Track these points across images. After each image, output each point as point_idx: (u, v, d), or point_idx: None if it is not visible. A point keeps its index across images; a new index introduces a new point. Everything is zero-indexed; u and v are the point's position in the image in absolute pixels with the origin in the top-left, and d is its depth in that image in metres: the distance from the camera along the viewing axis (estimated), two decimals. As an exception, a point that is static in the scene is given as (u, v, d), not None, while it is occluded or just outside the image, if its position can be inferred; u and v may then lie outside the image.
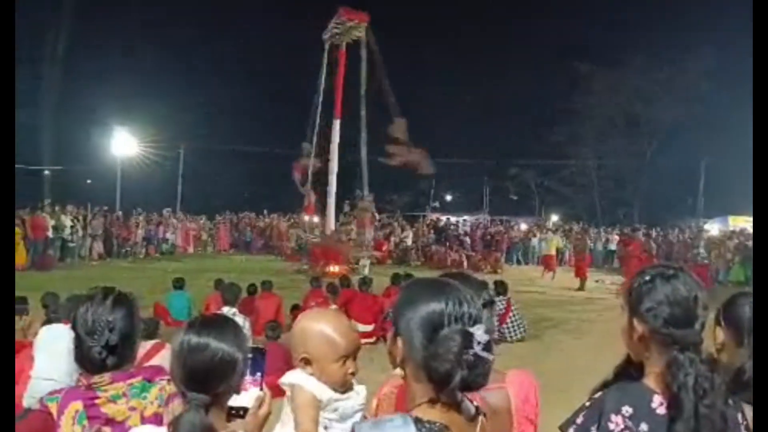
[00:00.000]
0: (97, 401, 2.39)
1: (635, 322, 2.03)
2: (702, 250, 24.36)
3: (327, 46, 23.05)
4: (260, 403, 2.10)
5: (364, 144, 22.65)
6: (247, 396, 2.11)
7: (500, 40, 46.25)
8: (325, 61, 23.19)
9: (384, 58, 22.32)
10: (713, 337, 2.52)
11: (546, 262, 23.96)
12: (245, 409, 2.09)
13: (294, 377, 2.29)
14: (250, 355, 2.11)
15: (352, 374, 2.30)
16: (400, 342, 1.69)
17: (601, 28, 42.53)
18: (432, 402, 1.64)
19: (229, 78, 42.11)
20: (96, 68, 37.42)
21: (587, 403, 2.00)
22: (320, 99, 23.56)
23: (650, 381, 1.97)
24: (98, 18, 37.77)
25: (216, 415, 2.00)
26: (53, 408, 2.38)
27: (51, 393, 2.47)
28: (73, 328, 2.49)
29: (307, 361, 2.25)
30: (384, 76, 22.18)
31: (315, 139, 23.73)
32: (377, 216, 29.58)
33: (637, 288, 2.05)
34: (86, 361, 2.46)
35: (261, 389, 2.14)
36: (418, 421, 1.60)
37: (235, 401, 2.08)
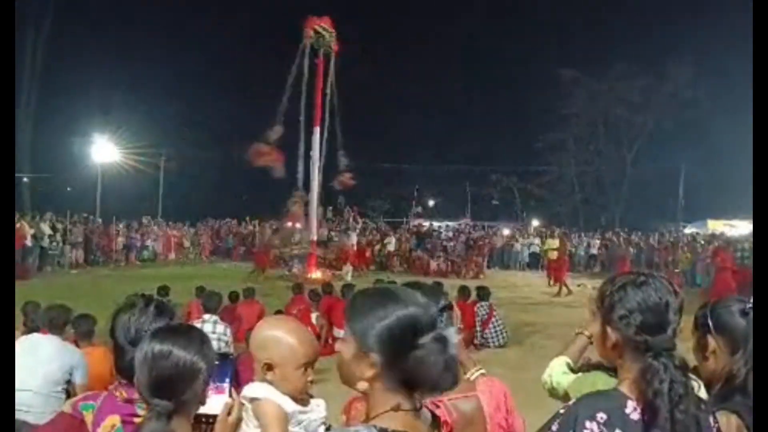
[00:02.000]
0: (135, 419, 2.28)
1: (608, 330, 2.04)
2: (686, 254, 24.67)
3: (306, 54, 22.91)
4: (229, 410, 2.11)
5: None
6: (216, 403, 2.11)
7: (483, 46, 46.52)
8: (303, 68, 22.94)
9: (366, 64, 22.43)
10: (694, 342, 2.55)
11: (552, 270, 22.59)
12: (214, 417, 2.09)
13: (257, 391, 2.27)
14: (217, 363, 2.12)
15: (311, 382, 2.31)
16: (373, 357, 1.63)
17: (583, 35, 42.89)
18: (395, 410, 1.62)
19: (208, 85, 42.07)
20: (76, 76, 37.29)
21: (561, 410, 2.01)
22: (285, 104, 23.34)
23: (624, 387, 1.98)
24: (77, 26, 37.74)
25: (179, 422, 2.00)
26: (88, 417, 2.31)
27: (86, 398, 2.40)
28: (113, 336, 2.44)
29: (269, 367, 2.24)
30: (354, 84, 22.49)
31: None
32: (356, 222, 29.71)
33: (609, 296, 2.06)
34: (126, 370, 2.35)
35: (230, 396, 2.14)
36: (382, 430, 1.58)
37: (204, 409, 2.08)
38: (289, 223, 24.19)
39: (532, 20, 45.15)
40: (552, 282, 21.75)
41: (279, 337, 2.26)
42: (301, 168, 23.07)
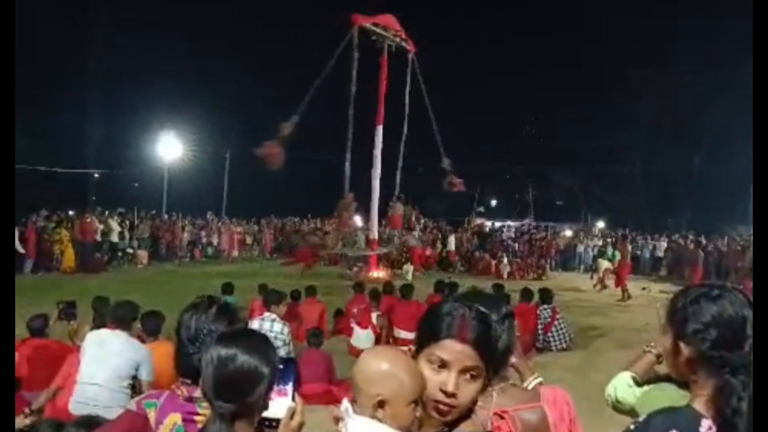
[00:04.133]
0: (196, 417, 2.34)
1: (681, 345, 1.97)
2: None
3: (354, 52, 22.79)
4: (292, 413, 2.10)
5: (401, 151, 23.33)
6: (279, 407, 2.10)
7: (546, 43, 45.97)
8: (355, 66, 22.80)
9: (427, 67, 22.41)
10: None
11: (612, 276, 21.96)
12: (278, 421, 2.09)
13: (365, 428, 2.10)
14: (280, 366, 2.12)
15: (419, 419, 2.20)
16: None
17: (649, 33, 41.99)
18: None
19: (275, 81, 42.44)
20: (142, 72, 38.04)
21: (632, 426, 1.95)
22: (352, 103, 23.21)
23: (698, 404, 1.91)
24: (144, 22, 38.40)
25: (242, 425, 2.04)
26: (151, 414, 2.38)
27: (149, 396, 2.47)
28: (177, 333, 2.54)
29: (381, 404, 2.07)
30: (421, 83, 22.41)
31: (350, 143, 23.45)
32: (419, 222, 29.61)
33: (682, 309, 2.00)
34: (186, 368, 2.46)
35: (293, 400, 2.13)
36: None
37: (267, 412, 2.09)
38: (344, 223, 24.34)
39: (594, 20, 44.34)
40: (599, 285, 21.69)
41: (389, 371, 2.09)
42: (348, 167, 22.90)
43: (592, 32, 43.33)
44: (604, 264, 22.46)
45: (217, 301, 2.61)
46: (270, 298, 8.25)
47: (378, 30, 22.05)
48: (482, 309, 2.05)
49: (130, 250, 24.19)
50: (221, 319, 2.52)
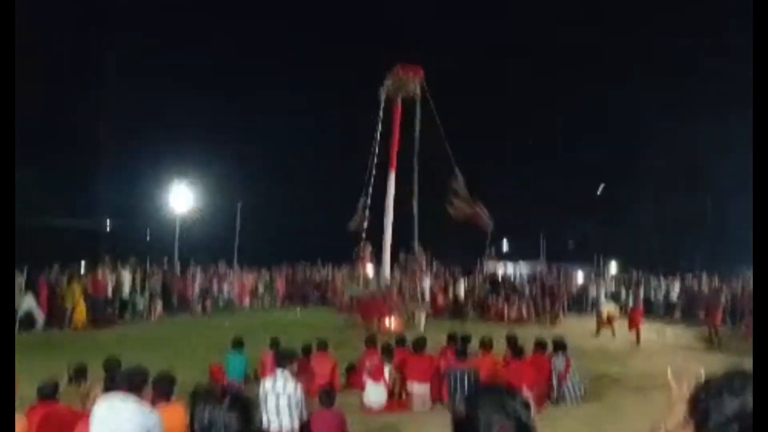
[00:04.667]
0: None
1: None
2: None
3: (382, 101, 23.34)
4: None
5: (415, 197, 22.92)
6: None
7: (558, 91, 46.17)
8: (380, 116, 23.43)
9: (439, 111, 22.56)
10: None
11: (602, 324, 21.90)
12: None
13: None
14: None
15: None
16: None
17: (662, 80, 42.29)
18: None
19: (285, 132, 42.82)
20: (153, 123, 38.45)
21: None
22: (375, 152, 23.68)
23: None
24: (157, 74, 38.93)
25: None
26: None
27: None
28: (191, 424, 2.58)
29: None
30: (438, 129, 22.42)
31: (370, 191, 23.88)
32: (431, 268, 29.47)
33: (704, 401, 1.97)
34: None
35: None
36: None
37: None
38: (361, 268, 24.39)
39: (610, 68, 44.66)
40: (599, 330, 21.27)
41: None
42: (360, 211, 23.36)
43: (608, 81, 43.57)
44: (608, 309, 22.19)
45: (230, 391, 2.64)
46: (282, 358, 8.21)
47: (407, 80, 22.49)
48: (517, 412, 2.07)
49: (139, 302, 24.12)
50: (234, 410, 2.54)
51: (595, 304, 28.31)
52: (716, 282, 28.09)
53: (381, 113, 23.36)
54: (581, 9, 44.34)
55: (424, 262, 24.67)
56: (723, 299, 24.91)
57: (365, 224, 23.67)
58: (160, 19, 38.91)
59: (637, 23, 43.45)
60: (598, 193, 44.82)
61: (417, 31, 40.50)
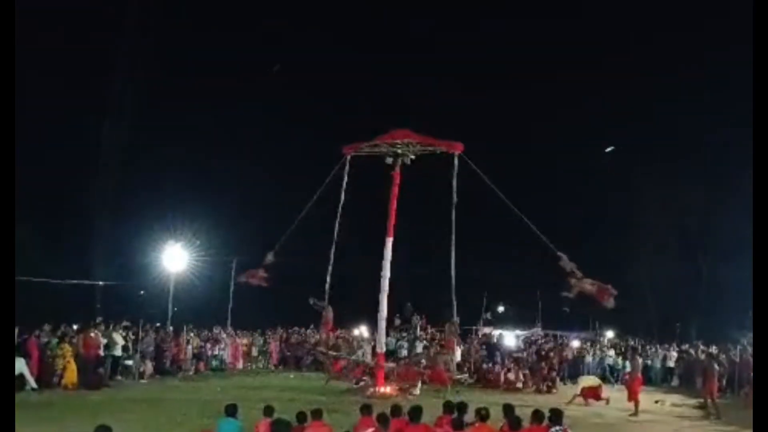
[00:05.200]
0: None
1: None
2: None
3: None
4: None
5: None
6: None
7: (550, 152, 46.64)
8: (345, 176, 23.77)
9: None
10: None
11: (587, 396, 21.35)
12: None
13: None
14: None
15: None
16: None
17: (653, 141, 42.81)
18: None
19: (280, 190, 42.99)
20: (147, 182, 38.60)
21: None
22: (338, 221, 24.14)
23: None
24: (149, 132, 39.27)
25: None
26: None
27: None
28: None
29: None
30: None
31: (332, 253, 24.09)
32: (426, 333, 29.31)
33: None
34: None
35: None
36: None
37: None
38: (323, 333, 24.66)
39: (603, 126, 45.30)
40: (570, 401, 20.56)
41: None
42: None
43: (598, 143, 44.10)
44: (587, 381, 21.90)
45: None
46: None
47: (403, 145, 22.75)
48: None
49: (130, 362, 23.78)
50: None
51: (591, 372, 28.14)
52: (714, 350, 27.98)
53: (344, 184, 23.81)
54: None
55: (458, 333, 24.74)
56: (719, 367, 24.74)
57: (327, 288, 23.73)
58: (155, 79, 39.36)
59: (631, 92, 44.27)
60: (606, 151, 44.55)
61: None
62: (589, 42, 46.96)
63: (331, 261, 23.96)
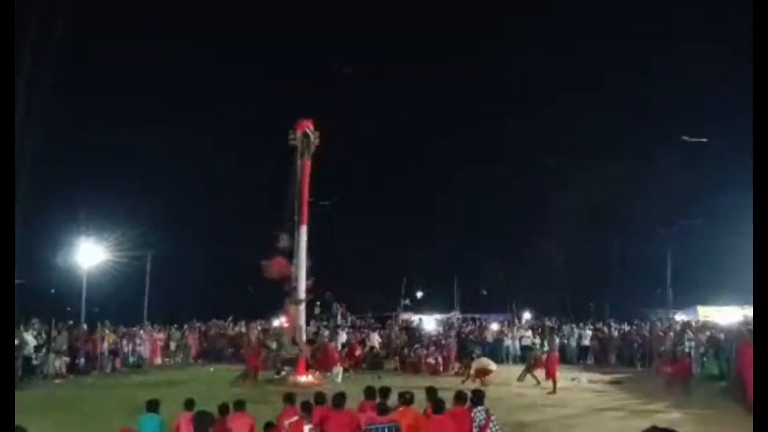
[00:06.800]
0: None
1: None
2: (687, 343, 23.96)
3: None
4: None
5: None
6: None
7: (473, 130, 47.22)
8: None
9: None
10: None
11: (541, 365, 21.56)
12: None
13: None
14: None
15: None
16: None
17: (570, 123, 43.75)
18: None
19: (192, 185, 42.38)
20: (60, 176, 37.43)
21: None
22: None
23: None
24: (65, 126, 38.10)
25: None
26: None
27: None
28: None
29: None
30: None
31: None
32: (346, 320, 29.38)
33: None
34: None
35: None
36: None
37: None
38: (286, 325, 24.05)
39: (524, 107, 46.13)
40: (543, 378, 20.97)
41: None
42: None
43: (517, 125, 44.81)
44: (480, 364, 21.91)
45: None
46: (200, 425, 7.93)
47: (310, 133, 22.73)
48: None
49: (46, 364, 23.01)
50: None
51: (510, 353, 28.70)
52: (626, 327, 28.98)
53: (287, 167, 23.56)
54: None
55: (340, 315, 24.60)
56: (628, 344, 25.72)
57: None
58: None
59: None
60: None
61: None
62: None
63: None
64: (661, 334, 26.73)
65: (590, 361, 28.23)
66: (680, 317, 32.22)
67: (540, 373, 21.06)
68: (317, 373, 21.69)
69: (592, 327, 30.35)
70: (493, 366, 21.72)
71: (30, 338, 22.48)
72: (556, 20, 46.18)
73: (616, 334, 28.76)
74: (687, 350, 23.49)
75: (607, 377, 22.88)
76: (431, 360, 25.64)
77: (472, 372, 21.48)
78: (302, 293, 22.89)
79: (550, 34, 46.44)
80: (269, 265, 22.66)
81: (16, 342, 21.67)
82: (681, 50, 37.61)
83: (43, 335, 23.53)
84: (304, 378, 20.78)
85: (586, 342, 29.10)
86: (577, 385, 21.32)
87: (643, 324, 29.57)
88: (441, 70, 48.17)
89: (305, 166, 23.09)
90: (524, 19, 47.77)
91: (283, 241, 22.90)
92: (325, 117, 24.33)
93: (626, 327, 29.60)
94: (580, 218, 42.91)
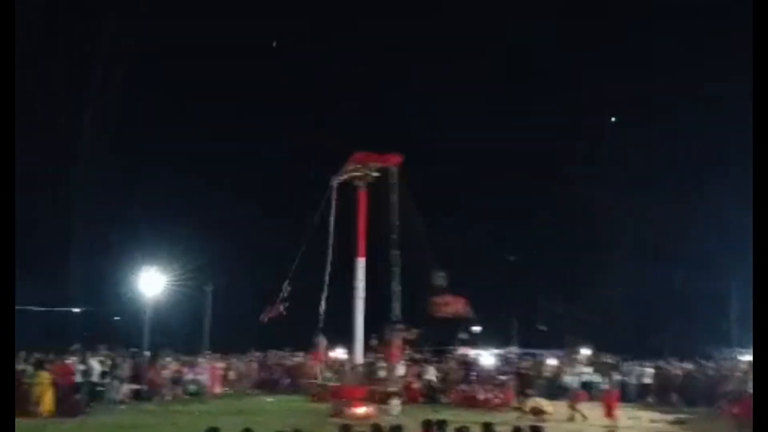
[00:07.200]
0: None
1: None
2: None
3: (336, 187, 23.84)
4: None
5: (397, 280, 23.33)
6: None
7: (526, 164, 46.81)
8: (333, 201, 23.90)
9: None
10: None
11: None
12: None
13: None
14: None
15: None
16: None
17: (626, 157, 43.24)
18: None
19: (257, 216, 42.95)
20: (123, 207, 38.39)
21: None
22: (331, 239, 24.24)
23: None
24: (126, 158, 39.17)
25: None
26: None
27: None
28: None
29: None
30: (413, 213, 22.89)
31: (327, 277, 24.15)
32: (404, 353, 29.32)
33: None
34: None
35: None
36: None
37: None
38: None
39: (574, 145, 45.62)
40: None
41: None
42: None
43: (570, 158, 44.43)
44: (536, 403, 22.08)
45: None
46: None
47: (368, 165, 22.98)
48: None
49: (110, 391, 23.59)
50: None
51: (569, 390, 28.24)
52: (688, 366, 28.31)
53: (334, 199, 23.91)
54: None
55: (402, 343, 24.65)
56: (692, 384, 25.08)
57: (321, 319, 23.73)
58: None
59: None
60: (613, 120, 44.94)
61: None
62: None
63: (325, 289, 24.18)
64: (726, 373, 26.11)
65: (651, 399, 27.65)
66: (746, 357, 31.35)
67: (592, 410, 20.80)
68: (373, 405, 21.72)
69: (653, 364, 29.70)
70: (549, 408, 21.49)
71: (96, 365, 23.10)
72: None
73: (678, 372, 28.12)
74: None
75: (669, 416, 22.41)
76: (489, 395, 25.43)
77: (527, 409, 21.29)
78: (360, 324, 23.10)
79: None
80: (445, 303, 23.04)
81: (83, 368, 22.34)
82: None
83: (109, 362, 24.17)
84: (361, 410, 20.83)
85: (647, 380, 28.50)
86: (638, 424, 20.96)
87: (706, 362, 28.88)
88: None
89: (361, 195, 23.40)
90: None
91: (440, 280, 23.14)
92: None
93: (688, 365, 28.89)
94: (641, 252, 42.31)
